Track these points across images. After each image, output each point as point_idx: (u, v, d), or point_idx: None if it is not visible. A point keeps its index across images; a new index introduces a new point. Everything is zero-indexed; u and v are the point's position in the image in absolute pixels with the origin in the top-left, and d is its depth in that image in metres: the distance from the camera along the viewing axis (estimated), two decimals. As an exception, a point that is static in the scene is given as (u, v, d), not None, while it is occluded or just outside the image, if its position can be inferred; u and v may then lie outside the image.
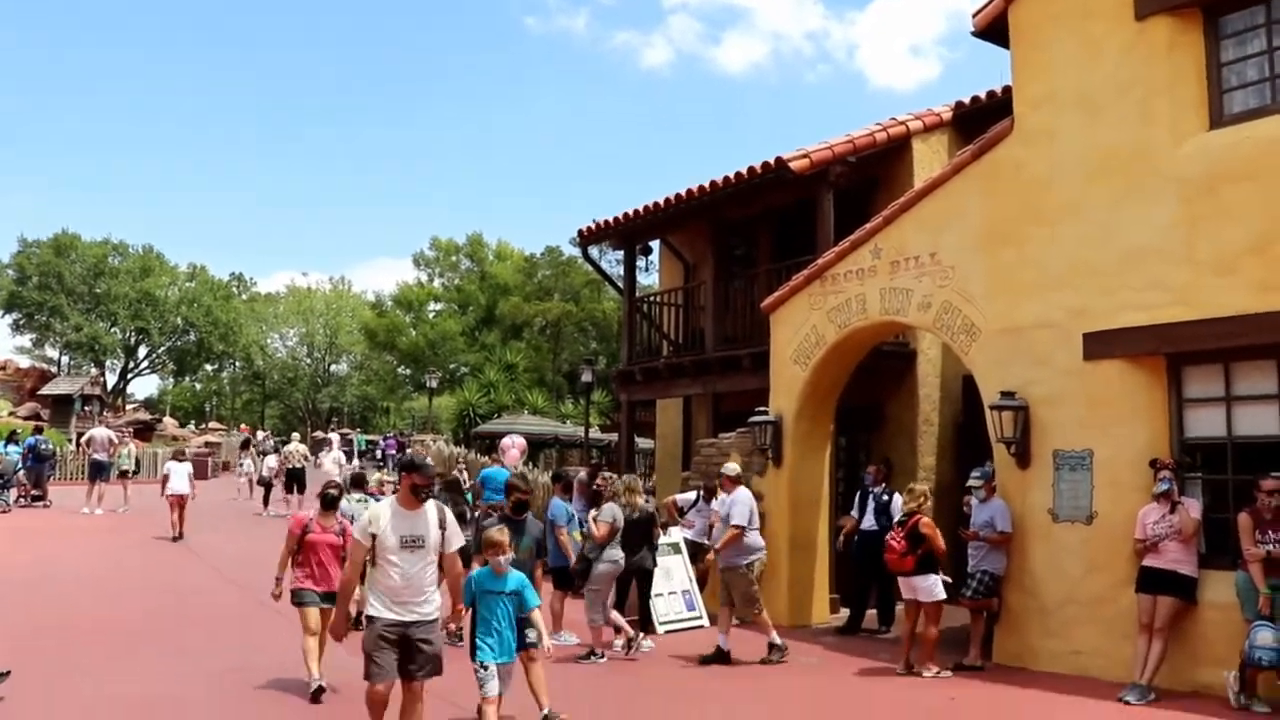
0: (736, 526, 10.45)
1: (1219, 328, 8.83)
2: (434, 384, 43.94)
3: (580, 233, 19.01)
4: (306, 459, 25.07)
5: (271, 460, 25.90)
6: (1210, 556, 8.94)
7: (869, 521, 12.40)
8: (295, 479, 23.71)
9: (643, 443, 25.23)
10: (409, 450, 27.66)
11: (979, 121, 13.42)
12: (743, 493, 10.81)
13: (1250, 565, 8.34)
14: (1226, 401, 9.08)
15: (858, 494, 13.03)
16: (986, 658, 10.18)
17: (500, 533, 7.09)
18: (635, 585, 11.51)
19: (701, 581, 12.60)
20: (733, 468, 11.20)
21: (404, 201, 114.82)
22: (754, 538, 10.63)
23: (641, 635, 10.93)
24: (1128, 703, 8.53)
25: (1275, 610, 8.13)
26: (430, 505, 6.49)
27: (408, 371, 66.61)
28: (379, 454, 45.93)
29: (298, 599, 8.79)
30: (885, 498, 12.34)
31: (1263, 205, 8.69)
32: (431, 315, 67.13)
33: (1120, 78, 9.76)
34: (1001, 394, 10.26)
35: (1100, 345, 9.68)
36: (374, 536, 6.31)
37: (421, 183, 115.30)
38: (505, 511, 10.04)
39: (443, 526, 6.48)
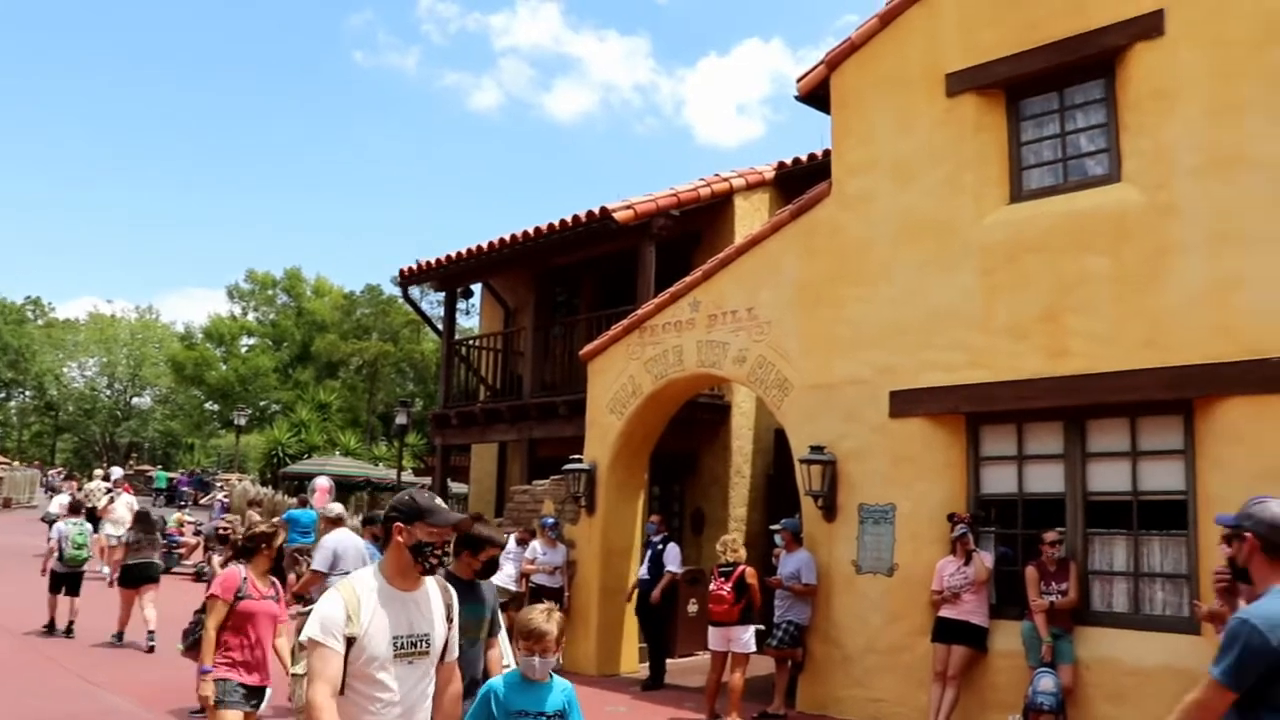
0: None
1: (1013, 390, 9.32)
2: (242, 421, 42.47)
3: (401, 272, 18.76)
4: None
5: (64, 498, 24.39)
6: (1000, 607, 9.35)
7: (643, 571, 12.41)
8: (91, 519, 22.37)
9: (457, 487, 24.91)
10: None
11: (800, 182, 13.90)
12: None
13: (1035, 615, 8.77)
14: (1019, 460, 9.56)
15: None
16: (790, 706, 10.36)
17: (547, 618, 4.33)
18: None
19: (510, 629, 12.39)
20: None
21: (220, 231, 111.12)
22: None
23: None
24: (925, 749, 8.82)
25: (1057, 658, 8.60)
26: (433, 584, 4.00)
27: (215, 407, 64.12)
28: (178, 492, 43.91)
29: (219, 696, 6.32)
30: (660, 547, 12.32)
31: (1054, 277, 9.23)
32: (244, 350, 64.97)
33: (933, 149, 10.25)
34: (811, 448, 10.54)
35: (905, 403, 10.07)
36: (350, 640, 3.66)
37: (240, 213, 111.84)
38: (453, 571, 5.59)
39: (450, 617, 4.02)
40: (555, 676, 4.40)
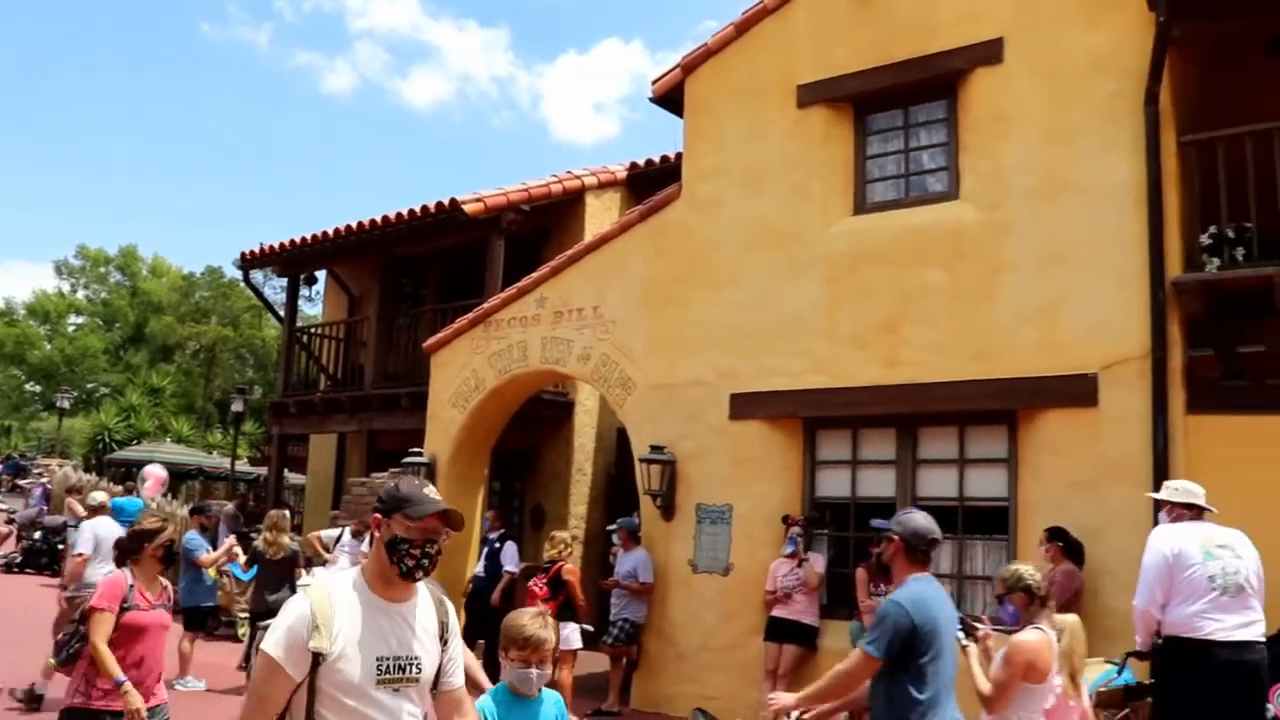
0: None
1: (850, 396, 9.58)
2: (67, 404, 40.44)
3: (243, 255, 18.17)
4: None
5: None
6: (831, 607, 9.59)
7: (479, 568, 12.37)
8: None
9: (294, 478, 24.26)
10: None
11: (653, 183, 13.98)
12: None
13: (864, 615, 9.03)
14: (853, 464, 9.83)
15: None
16: (624, 703, 10.42)
17: (542, 624, 3.93)
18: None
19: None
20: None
21: (49, 204, 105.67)
22: None
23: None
24: (754, 746, 8.99)
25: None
26: (424, 591, 3.29)
27: (38, 388, 60.96)
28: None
29: None
30: (497, 545, 12.32)
31: (893, 288, 9.53)
32: (71, 329, 61.93)
33: (783, 158, 10.45)
34: (651, 447, 10.62)
35: (746, 406, 10.24)
36: (317, 658, 2.96)
37: (72, 185, 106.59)
38: None
39: (445, 637, 3.28)
40: (546, 690, 3.98)
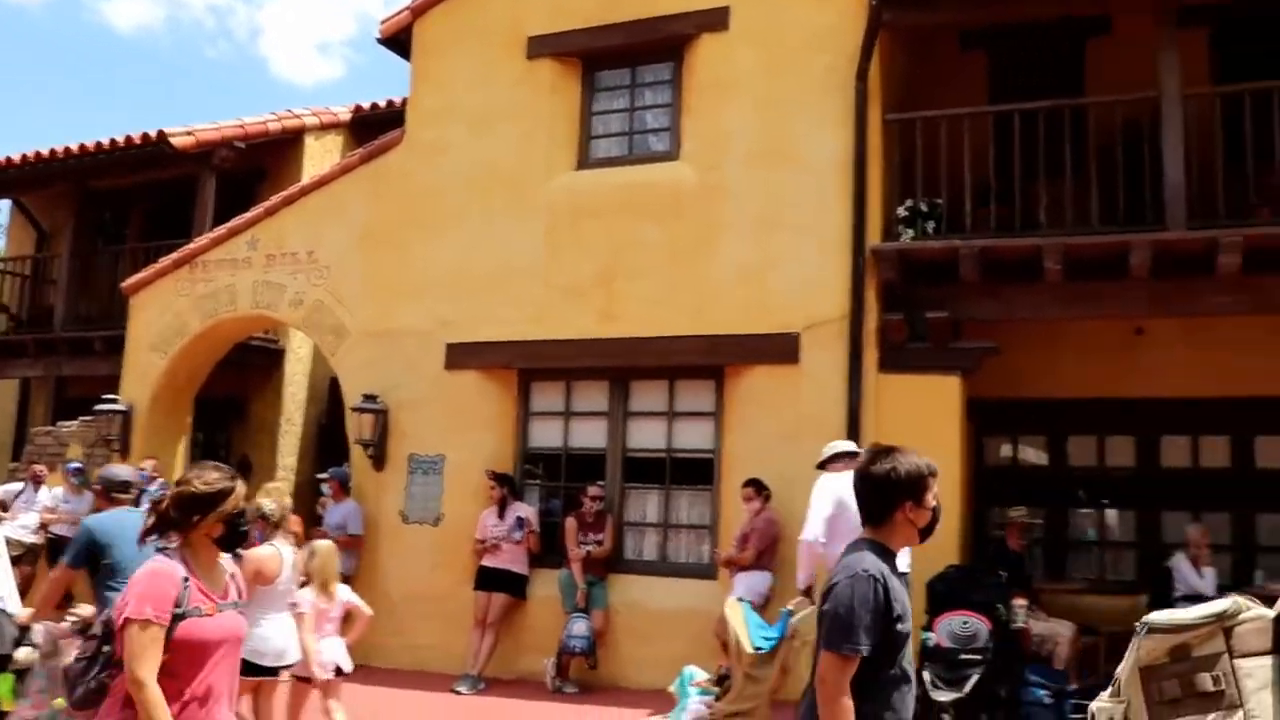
0: None
1: (566, 348, 9.67)
2: None
3: (-90, 178, 16.34)
4: None
5: None
6: (541, 556, 9.67)
7: None
8: None
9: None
10: None
11: (377, 128, 13.53)
12: None
13: (572, 564, 9.17)
14: (566, 416, 9.95)
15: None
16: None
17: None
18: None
19: (24, 586, 11.25)
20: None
21: None
22: None
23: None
24: (459, 692, 8.98)
25: (591, 603, 9.06)
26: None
27: None
28: None
29: None
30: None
31: (612, 243, 9.68)
32: None
33: (510, 108, 10.37)
34: (364, 396, 10.37)
35: (462, 356, 10.15)
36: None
37: None
38: None
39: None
40: None
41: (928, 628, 7.70)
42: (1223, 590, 9.08)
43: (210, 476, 3.61)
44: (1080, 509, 10.33)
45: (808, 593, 7.18)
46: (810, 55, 9.32)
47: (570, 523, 9.35)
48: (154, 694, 3.29)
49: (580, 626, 8.91)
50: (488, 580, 9.47)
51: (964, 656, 7.65)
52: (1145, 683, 2.48)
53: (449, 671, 9.42)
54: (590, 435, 9.84)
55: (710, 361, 9.24)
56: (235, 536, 3.66)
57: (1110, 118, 8.85)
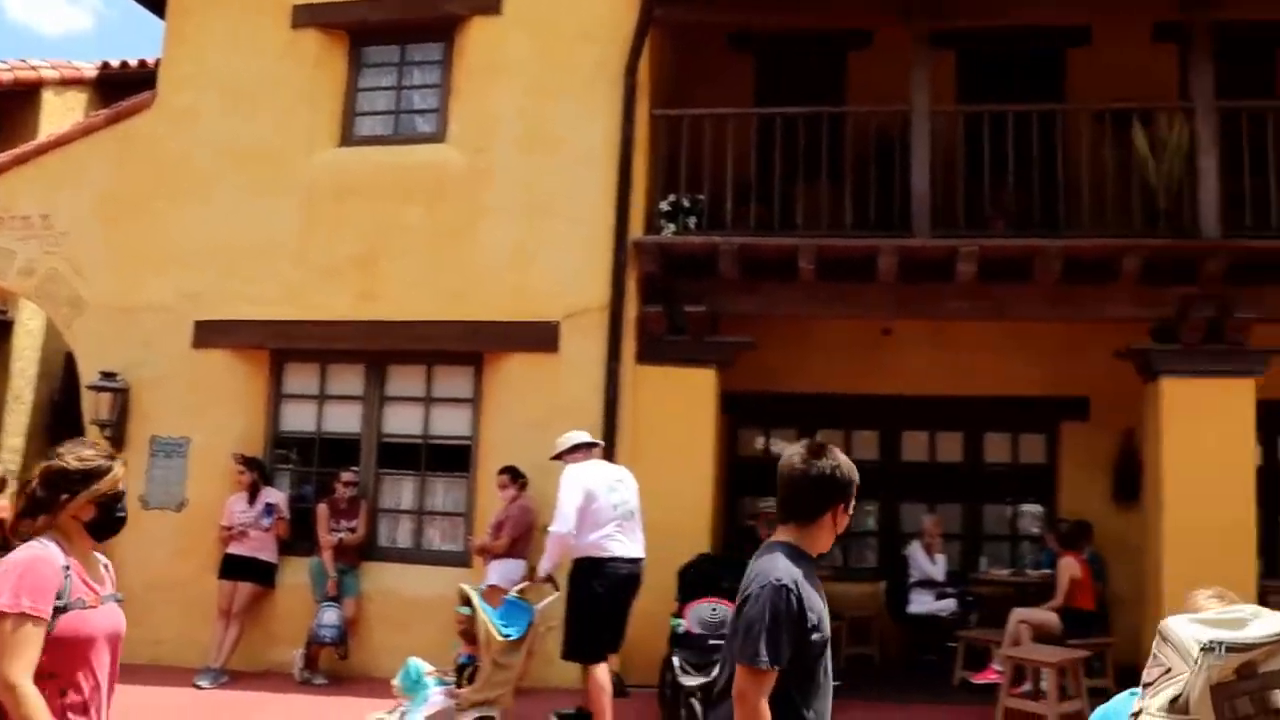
0: None
1: (322, 330, 9.37)
2: None
3: None
4: None
5: None
6: (291, 543, 9.32)
7: None
8: None
9: None
10: None
11: (127, 88, 12.66)
12: None
13: (323, 551, 8.90)
14: (320, 399, 9.64)
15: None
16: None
17: None
18: None
19: None
20: None
21: None
22: None
23: None
24: (200, 687, 8.57)
25: (342, 592, 8.82)
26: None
27: None
28: None
29: None
30: None
31: (374, 223, 9.42)
32: None
33: (271, 77, 9.92)
34: (102, 374, 9.72)
35: (210, 334, 9.66)
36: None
37: None
38: None
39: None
40: None
41: (678, 614, 7.88)
42: (952, 576, 9.73)
43: (85, 453, 3.25)
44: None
45: (548, 580, 7.37)
46: (582, 45, 9.34)
47: (322, 509, 9.06)
48: (31, 698, 2.90)
49: (330, 616, 8.67)
50: (234, 568, 9.05)
51: (713, 642, 7.85)
52: (1217, 701, 2.48)
53: (192, 665, 8.96)
54: (345, 419, 9.56)
55: (470, 347, 9.14)
56: (110, 523, 3.27)
57: (866, 127, 9.26)
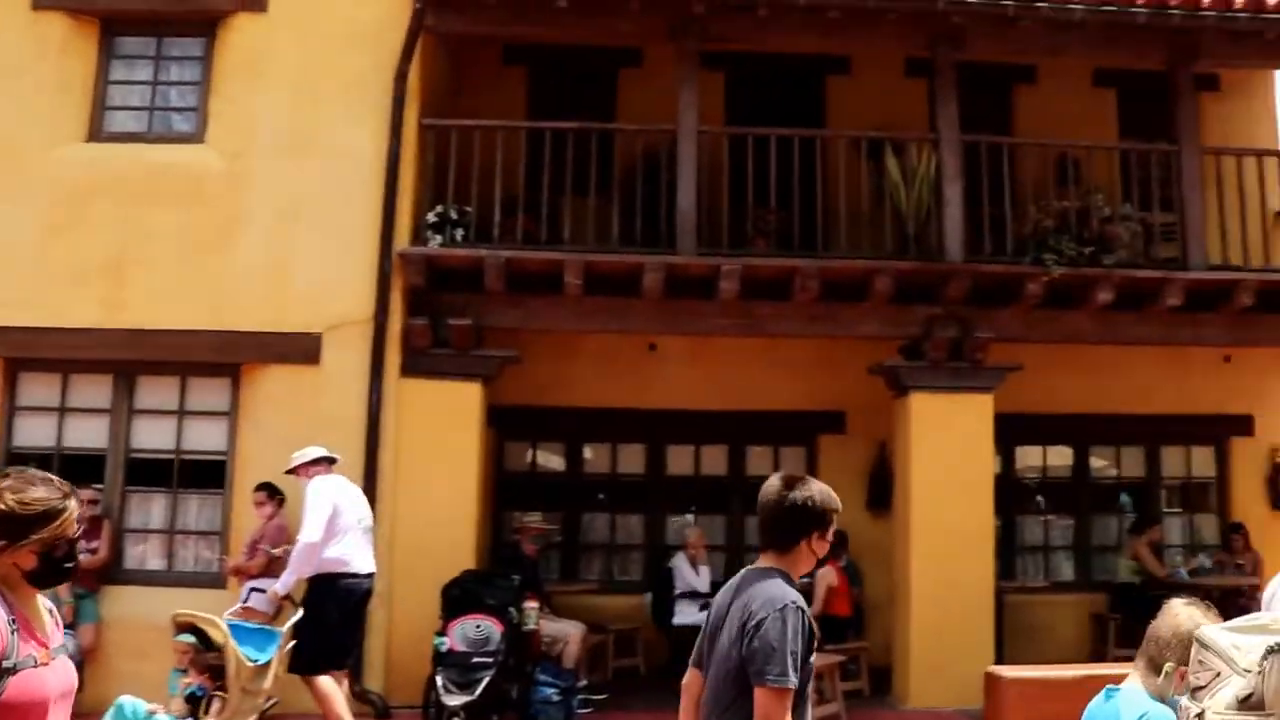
0: None
1: (64, 338, 8.78)
2: None
3: None
4: None
5: None
6: (25, 569, 8.72)
7: None
8: None
9: None
10: None
11: None
12: None
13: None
14: (61, 412, 9.05)
15: None
16: None
17: None
18: None
19: None
20: None
21: None
22: None
23: None
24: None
25: (79, 618, 8.28)
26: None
27: None
28: None
29: None
30: None
31: (124, 227, 8.91)
32: None
33: (9, 63, 9.25)
34: None
35: (-67, 342, 8.94)
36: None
37: None
38: None
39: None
40: None
41: (442, 632, 7.80)
42: (715, 586, 9.95)
43: (32, 494, 2.68)
44: (594, 513, 10.84)
45: (287, 598, 7.35)
46: (351, 49, 9.11)
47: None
48: None
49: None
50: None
51: (477, 660, 7.82)
52: None
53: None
54: (89, 434, 8.99)
55: (226, 359, 8.77)
56: (57, 572, 2.75)
57: (634, 145, 9.39)
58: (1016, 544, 10.94)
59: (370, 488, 8.37)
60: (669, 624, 9.79)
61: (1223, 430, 11.17)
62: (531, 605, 8.47)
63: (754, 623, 3.13)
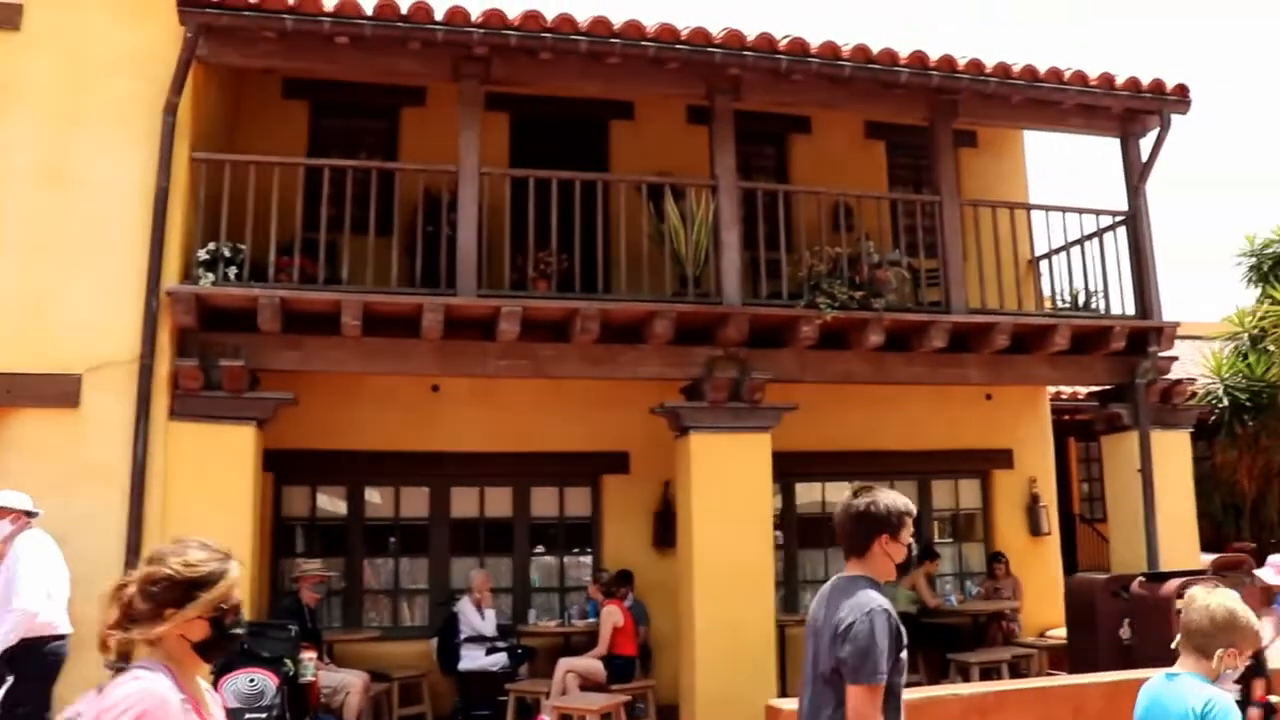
0: None
1: None
2: None
3: None
4: None
5: None
6: None
7: None
8: None
9: None
10: None
11: None
12: None
13: None
14: None
15: None
16: None
17: None
18: None
19: None
20: None
21: None
22: None
23: None
24: None
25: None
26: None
27: None
28: None
29: None
30: None
31: None
32: None
33: None
34: None
35: None
36: None
37: None
38: None
39: None
40: None
41: (213, 689, 7.42)
42: (502, 630, 9.85)
43: (194, 555, 2.62)
44: (377, 558, 10.59)
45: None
46: (116, 76, 8.66)
47: None
48: None
49: None
50: None
51: (250, 716, 7.51)
52: None
53: None
54: None
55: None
56: (224, 640, 2.66)
57: (416, 184, 9.30)
58: (798, 578, 11.26)
59: (136, 537, 7.93)
60: (455, 669, 9.65)
61: (986, 464, 11.87)
62: (309, 655, 8.21)
63: (844, 628, 3.43)
